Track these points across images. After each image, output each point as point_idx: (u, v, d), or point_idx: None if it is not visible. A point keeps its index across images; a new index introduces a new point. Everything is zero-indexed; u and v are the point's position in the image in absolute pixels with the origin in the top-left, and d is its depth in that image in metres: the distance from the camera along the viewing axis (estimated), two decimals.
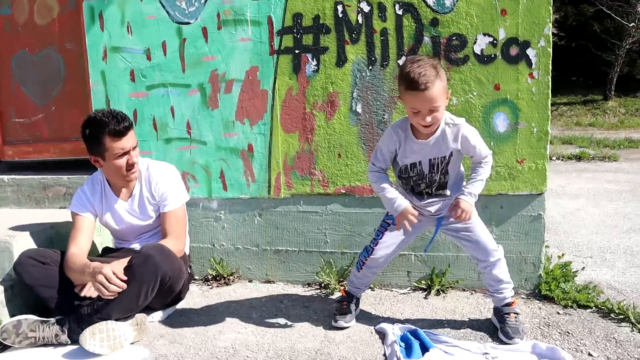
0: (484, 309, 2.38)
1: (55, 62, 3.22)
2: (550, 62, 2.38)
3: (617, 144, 8.58)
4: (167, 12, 2.75)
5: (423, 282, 2.63)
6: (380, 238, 2.22)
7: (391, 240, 2.21)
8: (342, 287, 2.45)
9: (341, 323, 2.24)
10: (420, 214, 2.14)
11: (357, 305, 2.35)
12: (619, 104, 13.71)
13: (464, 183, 2.14)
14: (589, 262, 2.96)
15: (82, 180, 2.87)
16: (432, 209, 2.14)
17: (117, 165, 2.35)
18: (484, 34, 2.41)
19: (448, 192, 2.13)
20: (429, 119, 1.94)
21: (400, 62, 2.50)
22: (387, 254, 2.22)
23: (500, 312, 2.15)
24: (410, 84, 1.90)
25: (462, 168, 2.19)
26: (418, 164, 2.10)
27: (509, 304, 2.17)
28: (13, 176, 3.17)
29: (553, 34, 2.58)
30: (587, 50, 14.44)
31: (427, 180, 2.11)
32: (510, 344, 2.03)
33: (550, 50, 2.37)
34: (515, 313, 2.14)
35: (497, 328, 2.15)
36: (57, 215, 2.84)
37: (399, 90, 2.01)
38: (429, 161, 2.08)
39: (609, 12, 13.32)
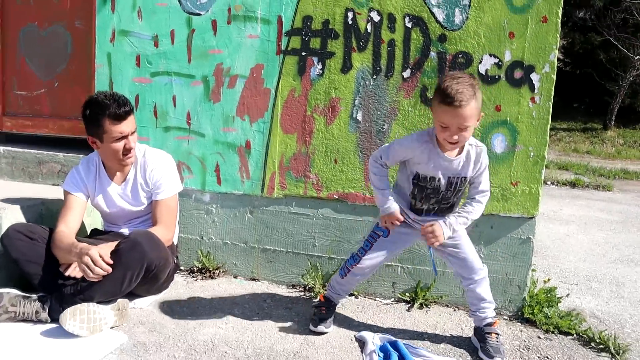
0: (465, 326, 2.39)
1: (63, 39, 3.22)
2: (553, 88, 2.39)
3: (613, 174, 8.63)
4: (179, 1, 2.75)
5: (407, 294, 2.64)
6: (369, 248, 2.22)
7: (380, 251, 2.21)
8: (320, 293, 2.45)
9: (321, 328, 2.24)
10: (410, 226, 2.16)
11: (333, 311, 2.35)
12: (617, 135, 13.80)
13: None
14: (574, 289, 2.98)
15: (77, 159, 2.86)
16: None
17: (114, 148, 2.35)
18: (490, 55, 2.42)
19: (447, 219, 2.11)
20: (456, 137, 1.94)
21: (405, 74, 2.51)
22: (373, 264, 2.22)
23: (482, 332, 2.17)
24: (445, 98, 1.90)
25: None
26: (437, 180, 2.07)
27: (490, 324, 2.18)
28: (9, 148, 3.16)
29: (559, 59, 2.61)
30: (591, 78, 14.54)
31: (439, 197, 2.11)
32: (493, 358, 2.05)
33: (554, 76, 2.39)
34: (496, 333, 2.15)
35: (477, 348, 2.16)
36: (49, 191, 2.83)
37: (432, 103, 2.01)
38: (448, 179, 2.08)
39: (615, 42, 13.43)
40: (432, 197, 2.11)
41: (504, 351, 2.12)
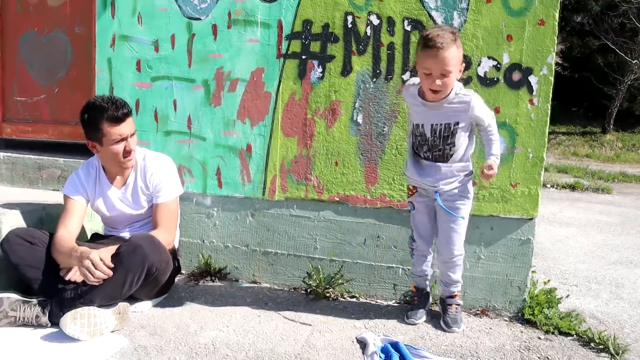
0: (466, 327, 2.39)
1: (63, 45, 3.23)
2: (551, 90, 2.41)
3: (612, 177, 8.65)
4: (179, 6, 2.77)
5: (408, 296, 2.64)
6: (413, 226, 2.40)
7: (419, 224, 2.37)
8: (412, 284, 2.52)
9: (412, 320, 2.37)
10: (425, 195, 2.31)
11: (427, 300, 2.47)
12: (616, 138, 13.84)
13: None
14: (574, 290, 2.98)
15: (77, 164, 2.87)
16: (430, 179, 2.24)
17: (113, 151, 2.35)
18: (489, 57, 2.44)
19: (446, 166, 2.23)
20: (439, 82, 2.05)
21: (405, 77, 2.53)
22: (424, 237, 2.37)
23: (444, 303, 2.39)
24: (426, 42, 2.03)
25: (470, 152, 2.27)
26: (421, 126, 2.23)
27: (452, 296, 2.38)
28: (9, 154, 3.17)
29: (557, 63, 2.63)
30: (590, 82, 14.58)
31: (429, 144, 2.23)
32: (449, 332, 2.30)
33: (552, 78, 2.40)
34: (457, 304, 2.37)
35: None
36: (49, 196, 2.84)
37: (416, 53, 2.13)
38: (431, 126, 2.20)
39: (613, 47, 13.49)
40: (424, 145, 2.25)
41: (462, 320, 2.35)
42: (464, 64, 2.17)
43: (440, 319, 2.37)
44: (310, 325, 2.32)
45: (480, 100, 2.19)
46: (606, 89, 14.12)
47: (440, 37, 2.01)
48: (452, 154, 2.23)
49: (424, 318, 2.41)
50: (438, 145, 2.22)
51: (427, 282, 2.47)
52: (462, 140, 2.21)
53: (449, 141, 2.20)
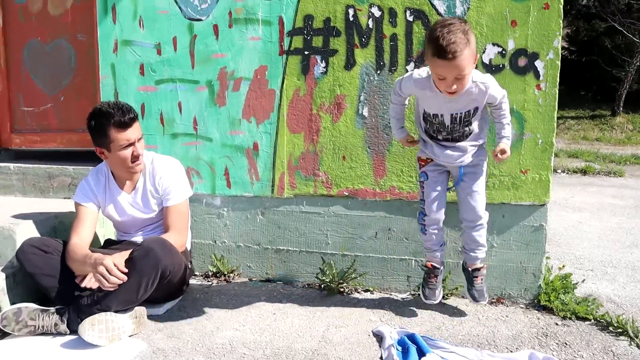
0: (482, 316, 2.38)
1: (66, 52, 3.25)
2: (558, 74, 2.38)
3: (624, 159, 8.54)
4: (180, 8, 2.77)
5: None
6: (423, 197, 2.33)
7: (432, 194, 2.31)
8: (428, 262, 2.43)
9: (431, 300, 2.39)
10: (441, 165, 2.28)
11: (441, 276, 2.43)
12: (626, 121, 13.66)
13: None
14: (589, 275, 2.95)
15: (87, 171, 2.87)
16: (452, 158, 2.22)
17: (122, 156, 2.36)
18: (493, 44, 2.41)
19: (467, 143, 2.20)
20: (454, 86, 1.98)
21: (409, 67, 2.51)
22: (435, 209, 2.31)
23: (470, 275, 2.37)
24: (438, 51, 1.89)
25: (485, 116, 2.25)
26: (440, 116, 2.16)
27: (479, 269, 2.37)
28: (19, 165, 3.19)
29: (564, 48, 2.60)
30: (597, 65, 14.39)
31: (449, 130, 2.19)
32: (477, 303, 2.36)
33: (559, 62, 2.37)
34: (482, 276, 2.37)
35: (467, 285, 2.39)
36: (61, 205, 2.86)
37: (425, 52, 2.03)
38: (451, 115, 2.15)
39: (620, 28, 13.30)
40: (442, 131, 2.20)
41: (487, 291, 2.37)
42: (477, 54, 2.10)
43: (466, 288, 2.39)
44: (326, 320, 2.31)
45: (493, 80, 2.13)
46: (615, 71, 13.93)
47: (453, 44, 1.84)
48: (471, 132, 2.20)
49: (442, 295, 2.43)
50: (458, 130, 2.18)
51: (442, 256, 2.41)
52: (479, 118, 2.19)
53: (467, 124, 2.17)
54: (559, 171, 7.31)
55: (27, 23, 3.31)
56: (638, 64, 13.49)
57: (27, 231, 2.48)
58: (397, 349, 2.02)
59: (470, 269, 2.38)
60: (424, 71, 2.17)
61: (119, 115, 2.31)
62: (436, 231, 2.35)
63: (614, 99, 14.09)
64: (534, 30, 2.37)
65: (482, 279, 2.37)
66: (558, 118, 2.42)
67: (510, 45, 2.40)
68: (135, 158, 2.39)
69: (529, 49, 2.38)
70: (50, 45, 3.28)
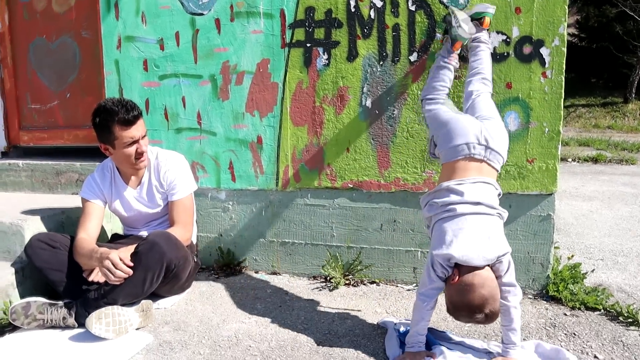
0: None
1: (71, 49, 3.27)
2: (564, 61, 2.34)
3: (636, 147, 8.44)
4: (181, 3, 2.77)
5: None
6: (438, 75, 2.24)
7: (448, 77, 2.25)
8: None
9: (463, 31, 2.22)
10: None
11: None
12: (639, 107, 13.47)
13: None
14: (599, 264, 2.92)
15: (94, 167, 2.91)
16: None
17: (126, 153, 2.37)
18: (497, 32, 2.38)
19: None
20: None
21: (412, 57, 2.48)
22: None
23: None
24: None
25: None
26: None
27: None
28: (27, 161, 3.23)
29: (574, 34, 2.55)
30: (608, 52, 14.18)
31: None
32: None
33: (565, 49, 2.33)
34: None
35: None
36: (68, 200, 2.88)
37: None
38: None
39: (632, 13, 13.09)
40: None
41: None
42: None
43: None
44: (331, 312, 2.31)
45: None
46: (626, 58, 13.73)
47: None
48: None
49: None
50: None
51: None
52: None
53: None
54: (570, 160, 7.23)
55: (33, 21, 3.33)
56: None
57: (36, 227, 2.52)
58: (401, 340, 2.01)
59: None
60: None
61: (122, 113, 2.31)
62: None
63: (625, 85, 13.88)
64: (539, 16, 2.33)
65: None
66: (568, 106, 2.41)
67: (515, 33, 2.36)
68: (139, 155, 2.40)
69: (534, 36, 2.35)
70: (56, 42, 3.30)
